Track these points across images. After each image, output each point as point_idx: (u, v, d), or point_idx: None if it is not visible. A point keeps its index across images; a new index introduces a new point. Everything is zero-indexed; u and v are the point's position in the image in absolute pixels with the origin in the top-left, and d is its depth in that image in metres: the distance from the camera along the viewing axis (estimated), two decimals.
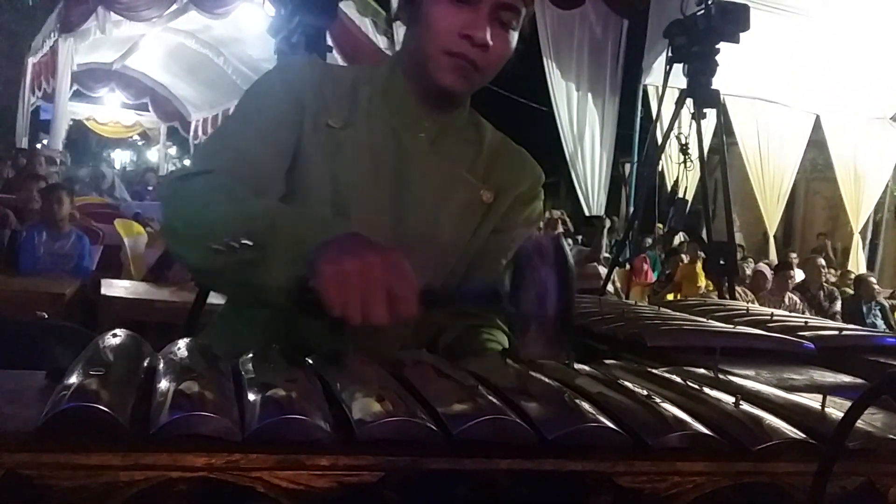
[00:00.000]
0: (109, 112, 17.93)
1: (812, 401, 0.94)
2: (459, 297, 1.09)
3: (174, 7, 9.81)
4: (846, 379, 1.52)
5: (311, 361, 0.93)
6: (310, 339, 1.08)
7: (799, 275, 7.84)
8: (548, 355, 0.93)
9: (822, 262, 8.22)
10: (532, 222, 1.41)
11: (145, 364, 0.86)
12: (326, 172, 1.23)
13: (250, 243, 0.99)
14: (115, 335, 0.90)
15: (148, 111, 17.57)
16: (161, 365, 0.82)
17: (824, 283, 7.87)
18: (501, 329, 1.31)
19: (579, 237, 8.71)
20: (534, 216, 1.41)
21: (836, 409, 0.90)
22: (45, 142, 13.35)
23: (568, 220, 10.50)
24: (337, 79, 1.30)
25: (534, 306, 0.88)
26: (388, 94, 1.29)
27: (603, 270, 6.59)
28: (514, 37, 1.25)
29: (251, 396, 0.75)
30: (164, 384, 0.75)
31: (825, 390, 0.99)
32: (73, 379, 0.73)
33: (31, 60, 12.58)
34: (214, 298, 3.48)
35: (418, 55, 1.24)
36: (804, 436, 0.82)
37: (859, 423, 0.78)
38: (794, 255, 9.82)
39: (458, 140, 1.34)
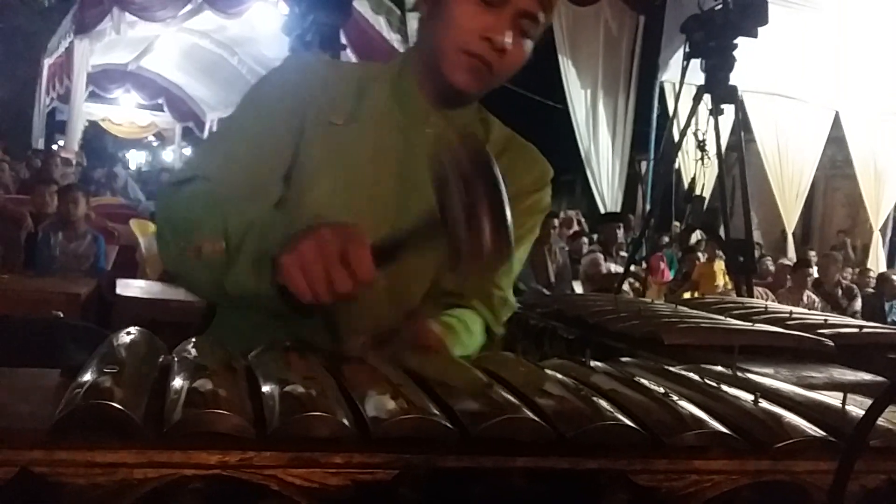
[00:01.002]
0: (125, 112, 18.09)
1: (832, 398, 0.93)
2: (407, 237, 1.07)
3: (189, 7, 9.87)
4: (866, 377, 1.51)
5: (322, 358, 0.93)
6: (312, 337, 1.08)
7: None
8: (487, 266, 0.94)
9: (838, 256, 8.15)
10: (537, 212, 1.41)
11: (159, 362, 0.86)
12: (328, 168, 1.23)
13: (222, 246, 1.02)
14: (128, 333, 0.90)
15: (163, 111, 17.70)
16: (175, 363, 0.82)
17: (842, 281, 7.80)
18: (476, 310, 1.31)
19: (594, 235, 8.67)
20: (540, 206, 1.41)
21: (856, 407, 0.88)
22: (61, 143, 13.47)
23: (583, 219, 10.46)
24: (343, 76, 1.31)
25: (462, 215, 0.89)
26: (396, 90, 1.30)
27: (613, 267, 6.59)
28: (530, 45, 1.26)
29: (269, 394, 0.75)
30: (177, 382, 0.75)
31: (845, 388, 0.98)
32: (88, 377, 0.73)
33: (47, 61, 12.70)
34: None
35: (434, 51, 1.24)
36: (824, 434, 0.81)
37: (880, 421, 0.77)
38: (812, 252, 9.72)
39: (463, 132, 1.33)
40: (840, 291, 7.57)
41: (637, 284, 6.39)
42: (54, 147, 13.82)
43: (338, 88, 1.28)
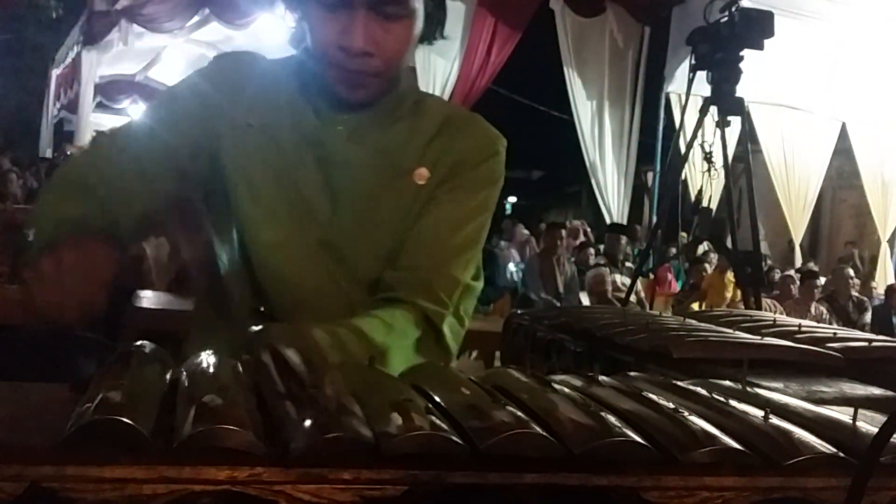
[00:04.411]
0: None
1: (842, 414, 0.92)
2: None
3: (196, 19, 9.90)
4: (877, 391, 1.49)
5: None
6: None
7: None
8: None
9: (850, 272, 8.14)
10: (487, 185, 1.28)
11: (169, 376, 0.86)
12: (243, 170, 1.21)
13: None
14: (138, 347, 0.90)
15: None
16: (184, 377, 0.82)
17: (853, 294, 7.79)
18: (414, 306, 1.19)
19: (601, 246, 8.66)
20: (490, 177, 1.28)
21: (867, 423, 0.88)
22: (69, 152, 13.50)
23: (589, 230, 10.45)
24: (266, 74, 1.26)
25: None
26: (305, 90, 1.23)
27: (619, 278, 6.58)
28: (412, 23, 1.14)
29: (282, 410, 0.75)
30: (187, 396, 0.75)
31: (856, 403, 0.97)
32: (97, 392, 0.73)
33: (55, 72, 12.77)
34: None
35: (317, 69, 1.18)
36: (835, 450, 0.80)
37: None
38: (811, 264, 9.66)
39: (386, 126, 1.24)
40: (851, 305, 7.56)
41: (642, 294, 6.39)
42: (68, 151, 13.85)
43: (256, 89, 1.22)
